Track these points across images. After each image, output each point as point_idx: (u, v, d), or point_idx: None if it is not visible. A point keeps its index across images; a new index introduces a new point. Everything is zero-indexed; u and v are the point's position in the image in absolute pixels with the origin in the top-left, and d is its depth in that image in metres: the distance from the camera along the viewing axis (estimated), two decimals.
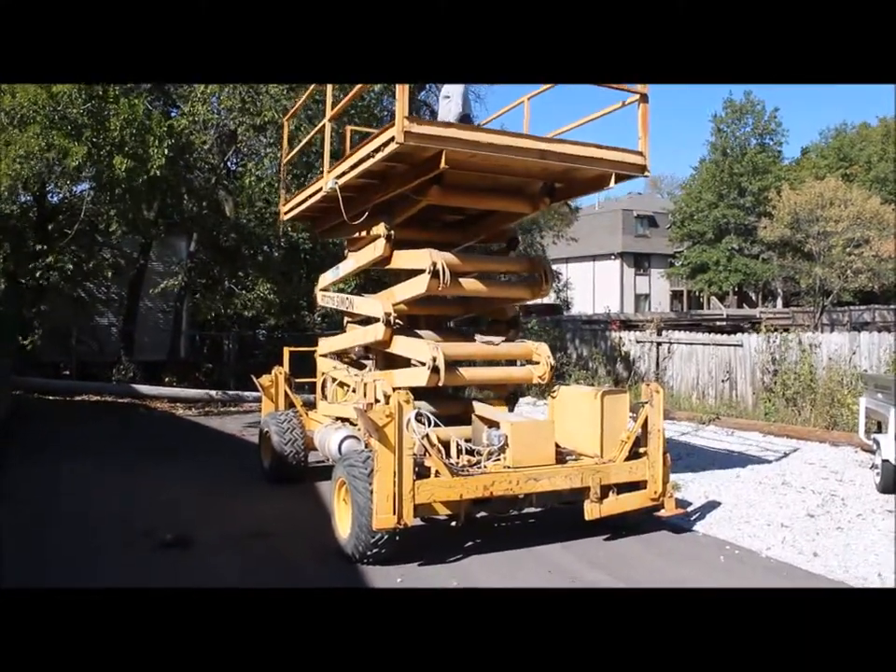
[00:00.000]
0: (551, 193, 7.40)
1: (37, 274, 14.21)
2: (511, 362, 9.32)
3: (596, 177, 7.09)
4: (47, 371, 17.27)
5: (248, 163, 14.62)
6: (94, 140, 11.79)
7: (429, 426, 5.91)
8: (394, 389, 7.04)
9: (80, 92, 11.75)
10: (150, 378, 16.79)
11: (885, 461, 8.22)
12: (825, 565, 6.13)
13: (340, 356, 9.10)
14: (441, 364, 6.61)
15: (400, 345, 7.38)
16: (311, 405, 9.81)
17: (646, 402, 6.75)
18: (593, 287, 51.33)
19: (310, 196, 8.21)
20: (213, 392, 15.69)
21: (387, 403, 6.90)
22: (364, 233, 7.79)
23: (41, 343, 14.98)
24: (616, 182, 6.96)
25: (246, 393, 15.83)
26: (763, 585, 5.64)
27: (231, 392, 15.81)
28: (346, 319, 9.08)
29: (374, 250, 7.60)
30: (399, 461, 5.59)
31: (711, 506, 7.88)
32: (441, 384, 6.74)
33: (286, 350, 10.03)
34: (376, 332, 7.44)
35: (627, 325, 21.70)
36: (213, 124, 14.08)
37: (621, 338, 18.37)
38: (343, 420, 8.54)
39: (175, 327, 18.03)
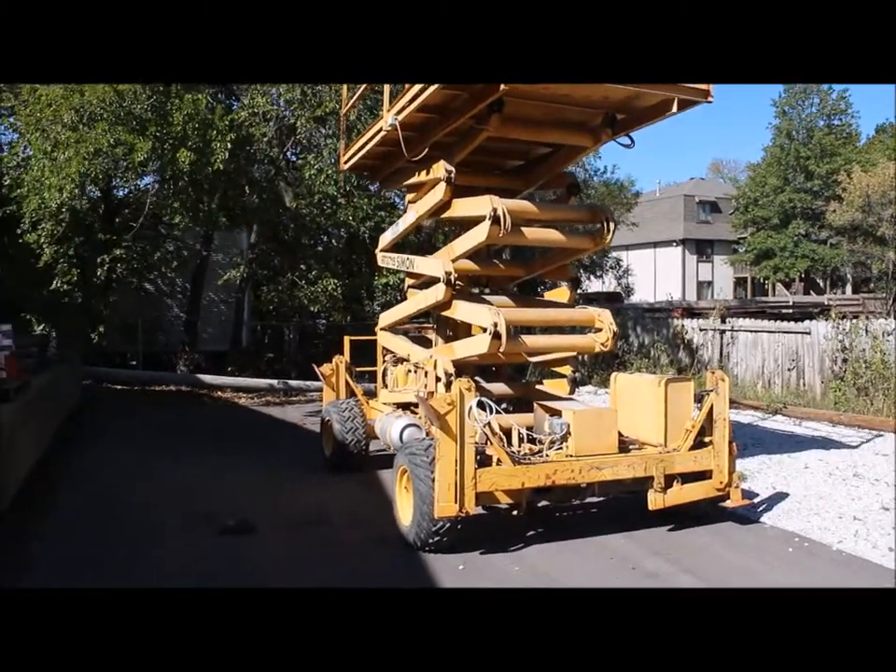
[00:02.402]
0: (612, 124, 7.16)
1: (105, 267, 14.62)
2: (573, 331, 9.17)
3: (658, 104, 6.78)
4: (114, 361, 17.79)
5: (308, 155, 14.74)
6: (158, 135, 12.04)
7: (491, 413, 5.86)
8: (453, 363, 7.07)
9: (144, 89, 12.02)
10: (213, 368, 17.14)
11: None
12: None
13: (401, 334, 9.12)
14: (502, 329, 6.42)
15: (461, 310, 7.29)
16: (371, 394, 9.87)
17: (711, 390, 6.60)
18: (654, 275, 50.51)
19: (369, 140, 8.07)
20: (274, 381, 15.92)
21: (448, 383, 6.94)
22: (424, 175, 7.64)
23: (109, 335, 15.40)
24: (679, 109, 6.62)
25: (308, 382, 16.03)
26: (833, 579, 5.47)
27: (292, 381, 16.02)
28: (407, 285, 9.07)
29: (434, 195, 7.45)
30: (460, 449, 5.57)
31: (779, 497, 7.67)
32: (502, 350, 6.60)
33: (346, 339, 10.09)
34: (437, 293, 7.33)
35: (690, 312, 21.25)
36: (272, 116, 14.24)
37: (683, 325, 18.01)
38: (405, 407, 8.59)
39: (237, 317, 18.35)
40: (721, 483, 6.54)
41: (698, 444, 6.55)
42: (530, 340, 7.10)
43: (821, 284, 46.66)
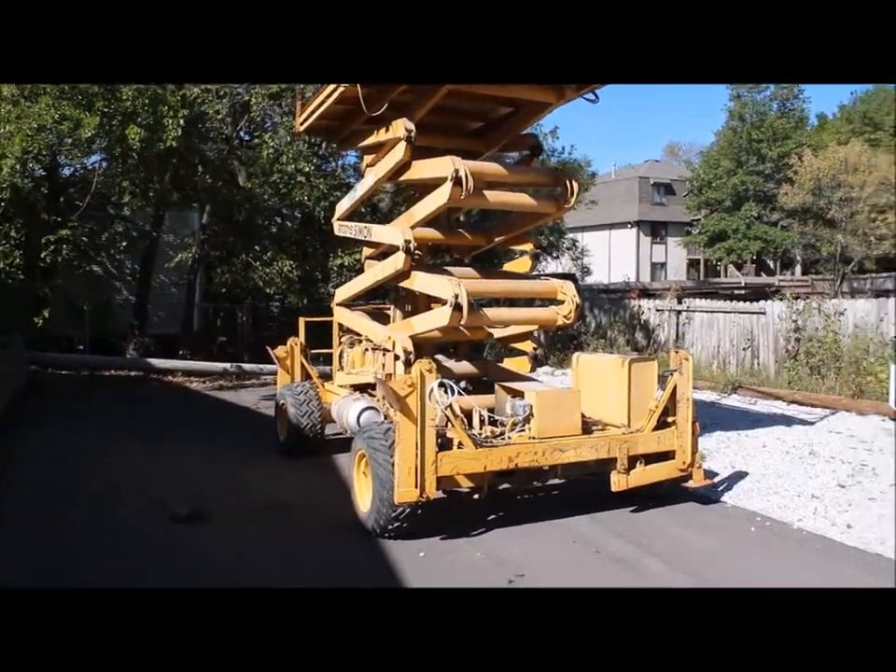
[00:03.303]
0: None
1: (50, 249, 14.07)
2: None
3: None
4: (61, 346, 17.21)
5: (264, 134, 14.34)
6: (106, 110, 11.54)
7: (452, 395, 5.70)
8: (413, 341, 6.88)
9: None
10: (164, 352, 16.67)
11: None
12: (860, 537, 5.93)
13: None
14: (463, 301, 6.24)
15: (420, 281, 7.11)
16: (327, 377, 9.65)
17: (675, 370, 6.53)
18: (608, 256, 50.74)
19: (326, 98, 7.75)
20: (227, 365, 15.56)
21: (408, 362, 6.76)
22: (383, 134, 7.39)
23: (55, 319, 14.87)
24: None
25: (262, 366, 15.70)
26: (796, 559, 5.47)
27: (245, 365, 15.67)
28: (364, 256, 8.85)
29: (394, 156, 7.21)
30: (421, 433, 5.42)
31: (738, 476, 7.69)
32: (463, 322, 6.43)
33: (301, 320, 9.84)
34: (395, 263, 7.13)
35: (646, 293, 21.39)
36: (226, 93, 13.80)
37: (640, 306, 18.08)
38: (361, 389, 8.40)
39: (189, 300, 17.87)
40: (684, 463, 6.50)
41: (661, 424, 6.48)
42: (492, 312, 6.92)
43: (772, 265, 47.42)
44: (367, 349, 8.17)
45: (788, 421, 10.68)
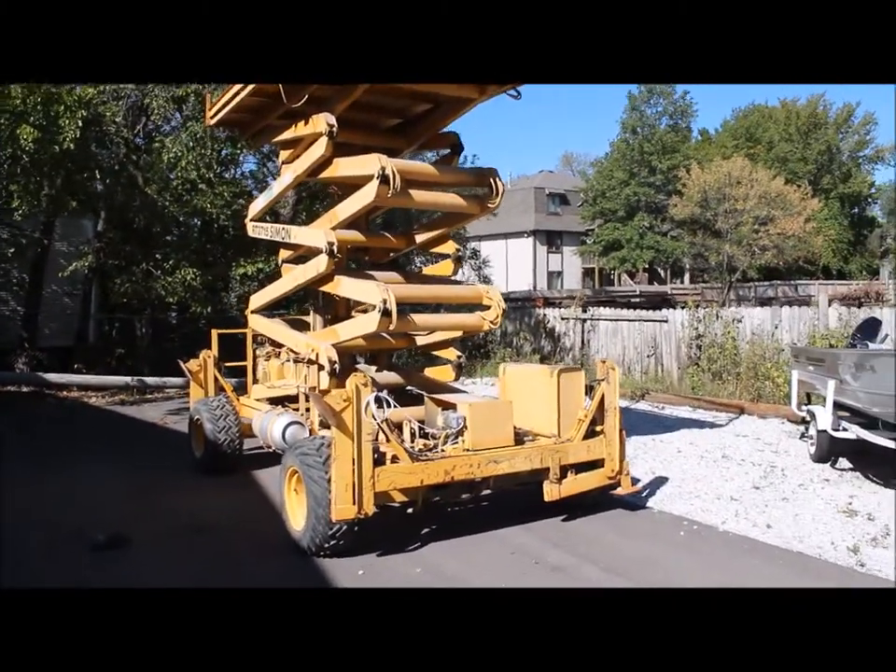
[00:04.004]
0: None
1: None
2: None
3: None
4: None
5: (164, 139, 13.77)
6: None
7: (388, 409, 5.58)
8: (335, 346, 6.71)
9: None
10: (58, 365, 15.77)
11: (821, 431, 8.39)
12: (780, 536, 6.17)
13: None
14: (392, 306, 6.12)
15: (344, 286, 6.94)
16: (240, 390, 9.33)
17: (602, 379, 6.63)
18: (506, 265, 51.51)
19: (241, 89, 7.42)
20: (128, 379, 14.83)
21: (333, 371, 6.59)
22: (302, 128, 7.15)
23: None
24: None
25: (165, 379, 15.08)
26: (725, 560, 5.63)
27: (148, 378, 14.99)
28: (281, 260, 8.58)
29: (314, 152, 6.97)
30: (358, 448, 5.28)
31: (660, 482, 7.88)
32: (392, 328, 6.33)
33: (213, 332, 9.47)
34: (318, 266, 6.90)
35: (548, 302, 21.80)
36: (124, 94, 13.18)
37: (545, 315, 18.39)
38: (278, 402, 8.16)
39: (84, 310, 16.98)
40: (613, 471, 6.60)
41: (590, 434, 6.56)
42: (419, 318, 6.84)
43: (662, 274, 49.35)
44: (286, 360, 7.94)
45: (697, 426, 11.05)
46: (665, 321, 15.32)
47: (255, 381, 9.05)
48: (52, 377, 14.73)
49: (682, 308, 15.48)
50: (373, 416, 5.39)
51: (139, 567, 5.44)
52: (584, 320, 17.20)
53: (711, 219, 34.09)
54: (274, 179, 19.17)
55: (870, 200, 49.45)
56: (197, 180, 13.65)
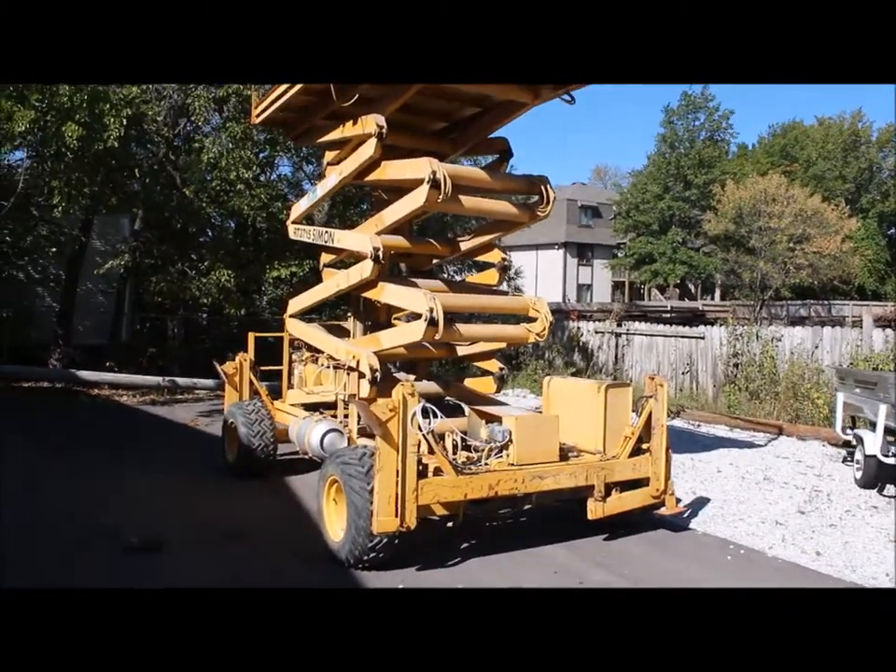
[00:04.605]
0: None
1: None
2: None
3: None
4: None
5: (204, 139, 13.80)
6: (40, 105, 10.84)
7: (435, 420, 5.44)
8: (377, 354, 6.60)
9: None
10: (90, 363, 15.82)
11: (869, 456, 8.14)
12: (831, 564, 5.97)
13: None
14: (439, 315, 5.98)
15: (389, 293, 6.80)
16: (273, 394, 9.25)
17: (650, 396, 6.46)
18: (536, 276, 51.28)
19: (289, 88, 7.36)
20: (160, 379, 14.84)
21: (374, 380, 6.46)
22: (350, 129, 7.02)
23: None
24: None
25: (196, 380, 15.08)
26: (777, 587, 5.42)
27: (179, 379, 14.99)
28: (322, 264, 8.49)
29: (362, 153, 6.85)
30: (402, 459, 5.15)
31: (701, 502, 7.67)
32: (438, 338, 6.18)
33: (250, 335, 9.40)
34: (362, 272, 6.77)
35: (581, 315, 21.59)
36: (167, 94, 13.23)
37: (579, 328, 18.18)
38: (314, 409, 8.06)
39: (118, 309, 17.05)
40: (658, 490, 6.42)
41: (635, 451, 6.39)
42: (464, 328, 6.67)
43: (693, 289, 48.82)
44: (325, 366, 7.84)
45: (736, 446, 10.81)
46: (702, 338, 15.06)
47: (290, 385, 8.97)
48: (85, 374, 14.77)
49: (720, 325, 15.20)
50: (419, 427, 5.26)
51: (174, 573, 5.35)
52: (619, 334, 16.97)
53: (745, 236, 33.65)
54: (310, 183, 19.31)
55: None
56: (236, 180, 13.64)
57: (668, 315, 30.90)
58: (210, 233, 18.01)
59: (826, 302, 37.95)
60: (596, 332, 17.57)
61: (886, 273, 44.38)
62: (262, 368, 9.43)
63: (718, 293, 45.83)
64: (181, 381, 14.93)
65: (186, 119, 14.86)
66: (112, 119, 10.90)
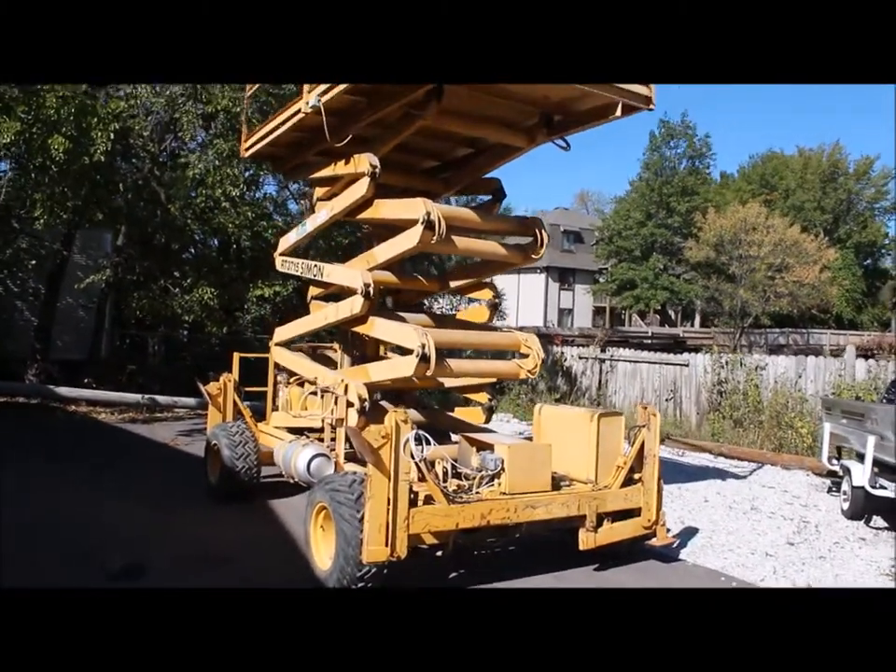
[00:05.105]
0: (549, 124, 6.88)
1: None
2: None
3: (600, 107, 6.48)
4: None
5: (191, 155, 13.69)
6: (25, 117, 10.68)
7: (428, 447, 5.34)
8: (366, 385, 6.54)
9: None
10: (68, 378, 15.52)
11: (857, 488, 8.13)
12: None
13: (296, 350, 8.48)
14: (431, 352, 5.99)
15: (379, 328, 6.75)
16: (258, 415, 9.11)
17: (643, 426, 6.40)
18: (517, 300, 51.39)
19: (281, 124, 7.30)
20: (139, 396, 14.60)
21: (362, 409, 6.39)
22: (342, 168, 6.98)
23: None
24: (623, 114, 6.31)
25: (175, 398, 14.86)
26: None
27: (159, 397, 14.75)
28: (310, 297, 8.41)
29: (354, 192, 6.80)
30: (394, 487, 5.04)
31: (690, 532, 7.61)
32: (429, 374, 6.15)
33: (235, 356, 9.26)
34: (352, 307, 6.74)
35: (564, 340, 21.58)
36: (156, 109, 13.11)
37: (563, 353, 18.16)
38: (298, 432, 7.95)
39: (98, 325, 16.80)
40: (650, 521, 6.35)
41: (627, 481, 6.32)
42: (455, 364, 6.63)
43: (672, 316, 49.17)
44: (311, 392, 7.73)
45: (721, 475, 10.78)
46: (686, 365, 15.08)
47: (275, 407, 8.84)
48: (63, 391, 14.50)
49: (705, 353, 15.24)
50: (412, 455, 5.16)
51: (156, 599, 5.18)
52: (603, 360, 16.96)
53: (726, 264, 33.99)
54: (295, 202, 19.24)
55: (884, 251, 49.41)
56: (221, 198, 13.52)
57: (649, 342, 31.04)
58: (193, 251, 17.83)
59: (805, 331, 38.37)
60: (580, 358, 17.55)
61: (863, 303, 45.03)
62: (246, 389, 9.30)
63: (698, 320, 46.20)
64: (161, 399, 14.70)
65: (172, 135, 14.76)
66: (99, 133, 10.76)
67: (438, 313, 8.19)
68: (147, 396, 14.62)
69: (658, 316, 47.48)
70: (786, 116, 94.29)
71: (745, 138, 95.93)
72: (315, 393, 7.60)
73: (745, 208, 34.44)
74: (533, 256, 7.07)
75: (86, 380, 15.44)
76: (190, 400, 14.72)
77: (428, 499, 5.36)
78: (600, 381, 16.91)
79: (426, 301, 13.36)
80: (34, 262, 15.15)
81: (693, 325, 45.65)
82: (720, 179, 48.70)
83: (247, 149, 8.48)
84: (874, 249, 47.34)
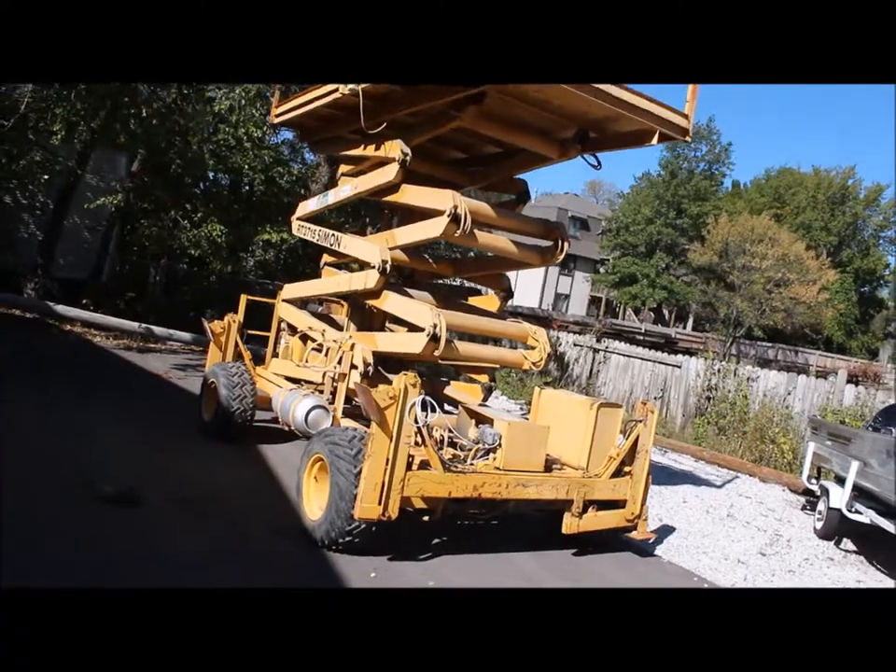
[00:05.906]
0: (583, 141, 6.93)
1: None
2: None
3: (637, 133, 6.59)
4: None
5: (218, 90, 13.57)
6: None
7: (433, 413, 5.43)
8: (374, 354, 6.63)
9: None
10: (67, 297, 15.47)
11: (832, 509, 8.30)
12: None
13: (303, 305, 8.57)
14: (441, 332, 6.12)
15: (392, 303, 6.85)
16: (258, 360, 9.17)
17: (639, 420, 6.51)
18: (515, 280, 51.34)
19: (316, 99, 7.31)
20: (136, 325, 14.59)
21: (366, 373, 6.49)
22: (371, 150, 7.02)
23: None
24: (659, 141, 6.46)
25: (171, 331, 14.85)
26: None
27: (156, 328, 14.73)
28: (323, 262, 8.47)
29: (382, 175, 6.88)
30: (394, 449, 5.14)
31: (667, 530, 7.76)
32: (437, 354, 6.26)
33: (243, 297, 9.30)
34: (367, 280, 6.84)
35: (560, 325, 21.70)
36: None
37: (559, 338, 18.26)
38: (295, 381, 8.03)
39: (103, 248, 16.74)
40: (633, 514, 6.49)
41: (617, 472, 6.44)
42: (462, 347, 6.72)
43: (666, 315, 49.34)
44: (315, 347, 7.79)
45: (701, 479, 10.95)
46: (679, 367, 15.22)
47: (275, 354, 8.91)
48: (61, 309, 14.47)
49: (699, 357, 15.38)
50: (416, 419, 5.25)
51: (152, 530, 5.28)
52: (597, 350, 17.08)
53: (727, 271, 34.07)
54: (313, 153, 19.12)
55: (882, 280, 49.62)
56: (244, 137, 13.45)
57: (641, 337, 31.19)
58: (202, 186, 17.75)
59: (794, 348, 38.58)
60: (575, 345, 17.65)
61: (854, 329, 45.26)
62: (248, 332, 9.37)
63: (691, 322, 46.39)
64: (157, 330, 14.70)
65: None
66: None
67: (446, 284, 8.23)
68: (143, 325, 14.61)
69: (652, 314, 47.61)
70: (806, 135, 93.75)
71: (761, 148, 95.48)
72: (318, 349, 7.67)
73: (755, 218, 34.48)
74: (551, 260, 7.18)
75: (84, 301, 15.41)
76: (186, 335, 14.74)
77: (424, 465, 5.46)
78: (591, 370, 17.04)
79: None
80: (46, 177, 15.00)
81: (685, 327, 45.82)
82: (731, 188, 48.64)
83: (278, 115, 8.49)
84: (872, 278, 47.51)
